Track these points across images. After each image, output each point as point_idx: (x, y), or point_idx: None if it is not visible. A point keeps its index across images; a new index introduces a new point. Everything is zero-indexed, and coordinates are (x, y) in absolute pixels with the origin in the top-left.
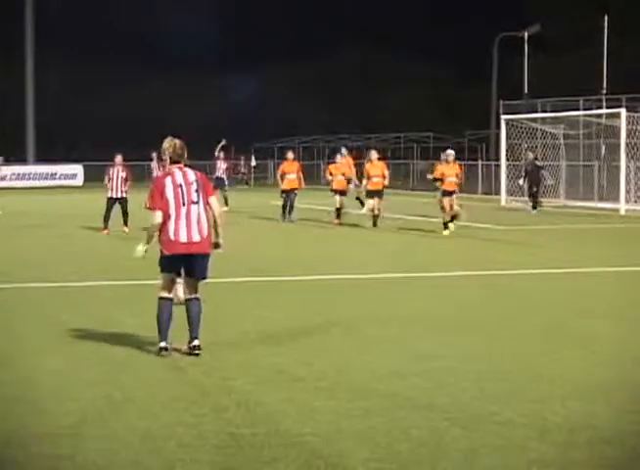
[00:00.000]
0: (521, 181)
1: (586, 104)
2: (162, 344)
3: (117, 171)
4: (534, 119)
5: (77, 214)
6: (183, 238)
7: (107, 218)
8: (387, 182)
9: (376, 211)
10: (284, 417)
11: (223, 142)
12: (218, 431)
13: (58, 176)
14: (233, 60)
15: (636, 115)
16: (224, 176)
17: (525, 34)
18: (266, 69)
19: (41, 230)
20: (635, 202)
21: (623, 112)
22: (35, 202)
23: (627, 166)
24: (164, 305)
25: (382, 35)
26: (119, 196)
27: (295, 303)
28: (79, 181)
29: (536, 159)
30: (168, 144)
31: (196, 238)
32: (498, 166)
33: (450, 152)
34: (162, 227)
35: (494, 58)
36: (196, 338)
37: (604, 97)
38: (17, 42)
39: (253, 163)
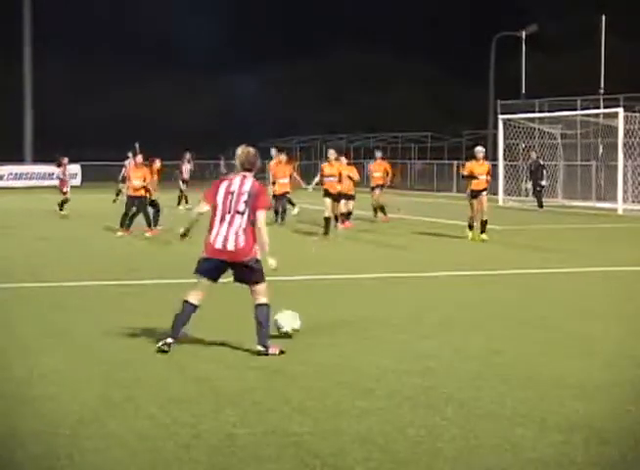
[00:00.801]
0: (523, 185)
1: (584, 104)
2: (169, 340)
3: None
4: (532, 119)
5: (76, 214)
6: (218, 244)
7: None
8: (349, 185)
9: (327, 214)
10: (281, 416)
11: (136, 145)
12: (216, 431)
13: (56, 176)
14: (233, 60)
15: (633, 114)
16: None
17: (523, 34)
18: (266, 68)
19: (39, 230)
20: (633, 202)
21: (621, 111)
22: (32, 201)
23: (625, 166)
24: (186, 309)
25: (382, 35)
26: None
27: (293, 302)
28: (77, 181)
29: (539, 157)
30: (241, 151)
31: (230, 247)
32: (496, 166)
33: (479, 149)
34: (209, 229)
35: (492, 58)
36: (260, 344)
37: (601, 97)
38: (16, 41)
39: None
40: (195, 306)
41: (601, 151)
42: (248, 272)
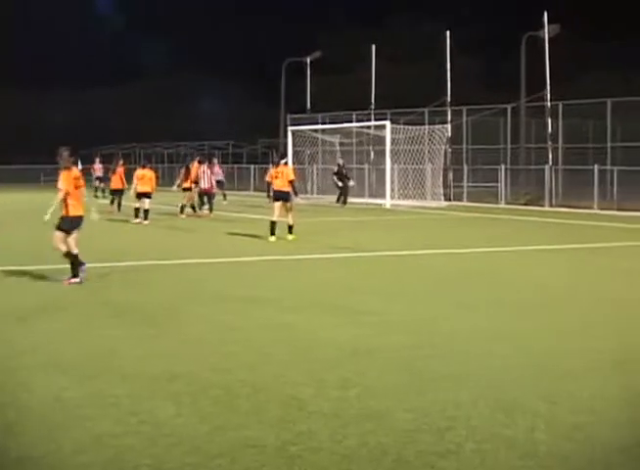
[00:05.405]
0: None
1: (358, 117)
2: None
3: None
4: (316, 130)
5: None
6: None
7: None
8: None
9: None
10: (103, 382)
11: None
12: (46, 394)
13: None
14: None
15: (398, 126)
16: None
17: (308, 60)
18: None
19: None
20: (398, 198)
21: (388, 124)
22: None
23: (392, 169)
24: None
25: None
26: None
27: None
28: None
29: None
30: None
31: None
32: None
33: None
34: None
35: (283, 79)
36: None
37: (372, 112)
38: None
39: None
40: None
41: (372, 156)
42: None
